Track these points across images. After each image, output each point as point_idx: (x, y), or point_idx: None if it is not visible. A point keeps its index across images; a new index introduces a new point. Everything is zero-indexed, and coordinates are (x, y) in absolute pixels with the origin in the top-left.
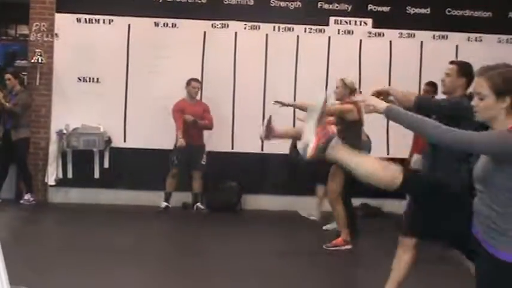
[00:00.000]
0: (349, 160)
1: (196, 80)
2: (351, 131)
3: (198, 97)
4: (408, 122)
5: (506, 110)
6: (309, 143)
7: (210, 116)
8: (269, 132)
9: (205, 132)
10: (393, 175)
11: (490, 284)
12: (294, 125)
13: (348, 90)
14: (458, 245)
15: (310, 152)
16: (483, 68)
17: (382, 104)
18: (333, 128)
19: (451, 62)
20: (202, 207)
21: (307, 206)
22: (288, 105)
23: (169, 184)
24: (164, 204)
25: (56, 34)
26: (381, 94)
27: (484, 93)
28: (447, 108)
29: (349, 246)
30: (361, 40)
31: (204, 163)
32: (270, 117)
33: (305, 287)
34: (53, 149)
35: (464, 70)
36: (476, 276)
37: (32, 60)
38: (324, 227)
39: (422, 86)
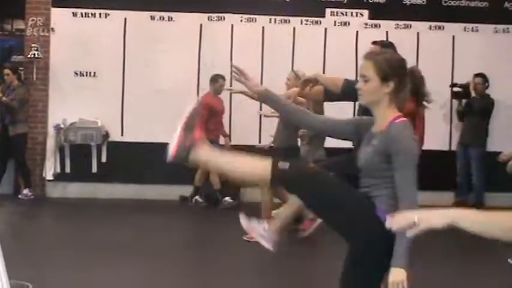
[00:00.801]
0: (216, 163)
1: (223, 77)
2: None
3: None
4: (282, 109)
5: (389, 95)
6: (171, 145)
7: None
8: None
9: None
10: (263, 172)
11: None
12: None
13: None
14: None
15: (170, 152)
16: (371, 51)
17: (260, 88)
18: (200, 133)
19: (373, 42)
20: (200, 200)
21: None
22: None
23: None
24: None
25: (52, 29)
26: (309, 82)
27: (369, 76)
28: None
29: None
30: (357, 31)
31: None
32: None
33: (304, 277)
34: (50, 143)
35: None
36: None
37: (29, 55)
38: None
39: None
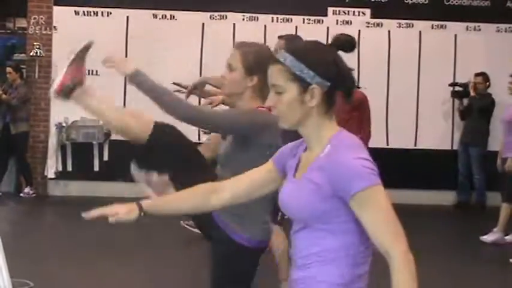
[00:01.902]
0: (99, 110)
1: None
2: None
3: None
4: (148, 90)
5: (252, 89)
6: (56, 79)
7: None
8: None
9: None
10: (145, 126)
11: (224, 264)
12: None
13: None
14: (199, 222)
15: (55, 87)
16: (241, 42)
17: (129, 67)
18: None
19: (279, 37)
20: None
21: None
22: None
23: None
24: None
25: (55, 27)
26: (196, 88)
27: (234, 66)
28: None
29: None
30: (359, 30)
31: None
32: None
33: None
34: (52, 142)
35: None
36: (212, 258)
37: (31, 54)
38: None
39: (422, 77)
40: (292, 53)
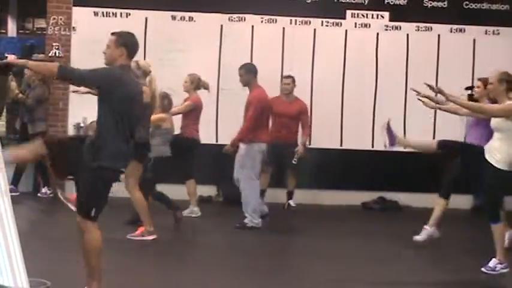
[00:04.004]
0: None
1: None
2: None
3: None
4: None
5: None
6: None
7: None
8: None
9: (220, 126)
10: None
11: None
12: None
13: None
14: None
15: None
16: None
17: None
18: None
19: (112, 34)
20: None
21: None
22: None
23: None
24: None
25: (73, 28)
26: None
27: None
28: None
29: (153, 237)
30: (378, 33)
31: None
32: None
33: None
34: None
35: (123, 40)
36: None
37: (50, 54)
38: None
39: (440, 79)
40: None
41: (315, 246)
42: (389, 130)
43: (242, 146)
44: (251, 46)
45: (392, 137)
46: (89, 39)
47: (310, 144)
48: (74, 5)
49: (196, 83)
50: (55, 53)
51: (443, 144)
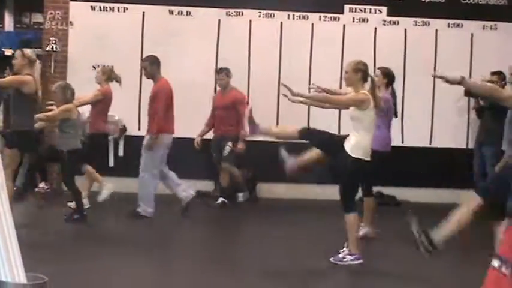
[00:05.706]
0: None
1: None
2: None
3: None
4: None
5: None
6: None
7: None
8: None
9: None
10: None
11: None
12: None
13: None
14: None
15: None
16: None
17: None
18: None
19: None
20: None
21: None
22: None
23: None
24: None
25: (71, 22)
26: None
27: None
28: None
29: None
30: (375, 28)
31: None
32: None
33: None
34: None
35: None
36: None
37: (47, 49)
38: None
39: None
40: None
41: (312, 242)
42: (250, 118)
43: (147, 137)
44: (249, 41)
45: (253, 126)
46: (86, 33)
47: None
48: (71, 0)
49: (108, 74)
50: (52, 48)
51: (307, 133)
